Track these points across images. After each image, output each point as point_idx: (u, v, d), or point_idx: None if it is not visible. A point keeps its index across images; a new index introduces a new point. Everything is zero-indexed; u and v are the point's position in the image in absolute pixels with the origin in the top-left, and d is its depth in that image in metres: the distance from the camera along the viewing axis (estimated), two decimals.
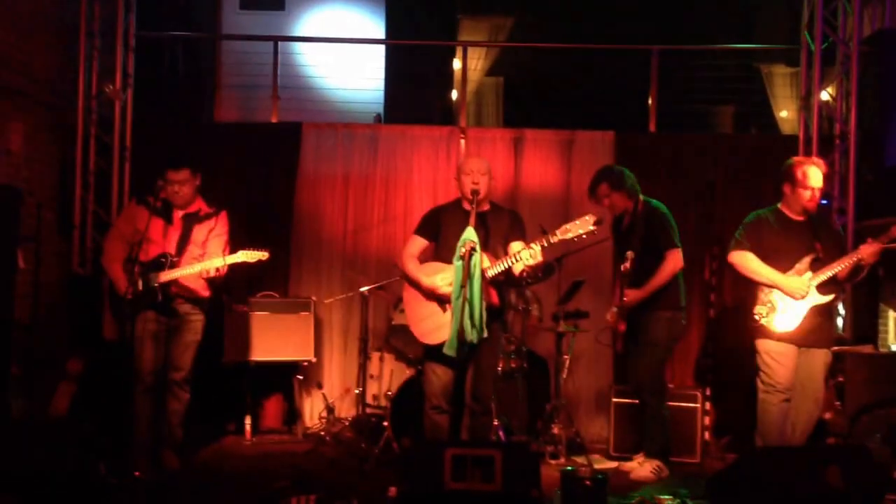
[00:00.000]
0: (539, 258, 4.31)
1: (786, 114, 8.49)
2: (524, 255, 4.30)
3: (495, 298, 4.55)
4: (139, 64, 6.78)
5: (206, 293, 5.16)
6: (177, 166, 5.02)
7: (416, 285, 4.61)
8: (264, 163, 6.80)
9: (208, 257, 5.06)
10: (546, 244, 4.29)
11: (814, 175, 4.87)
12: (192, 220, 5.10)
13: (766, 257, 4.90)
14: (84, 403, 5.36)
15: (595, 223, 4.28)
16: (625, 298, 5.03)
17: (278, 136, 6.94)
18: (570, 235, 4.31)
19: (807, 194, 4.89)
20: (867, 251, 4.70)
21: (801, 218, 4.95)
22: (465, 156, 6.56)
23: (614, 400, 5.92)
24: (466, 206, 4.55)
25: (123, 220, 5.19)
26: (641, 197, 5.29)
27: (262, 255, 5.05)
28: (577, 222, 4.30)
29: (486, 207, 4.66)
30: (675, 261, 5.09)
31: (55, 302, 6.19)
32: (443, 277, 4.48)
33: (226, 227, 5.22)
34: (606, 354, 6.63)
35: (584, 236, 4.32)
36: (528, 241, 4.47)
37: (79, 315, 6.00)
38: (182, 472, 5.04)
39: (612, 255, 6.61)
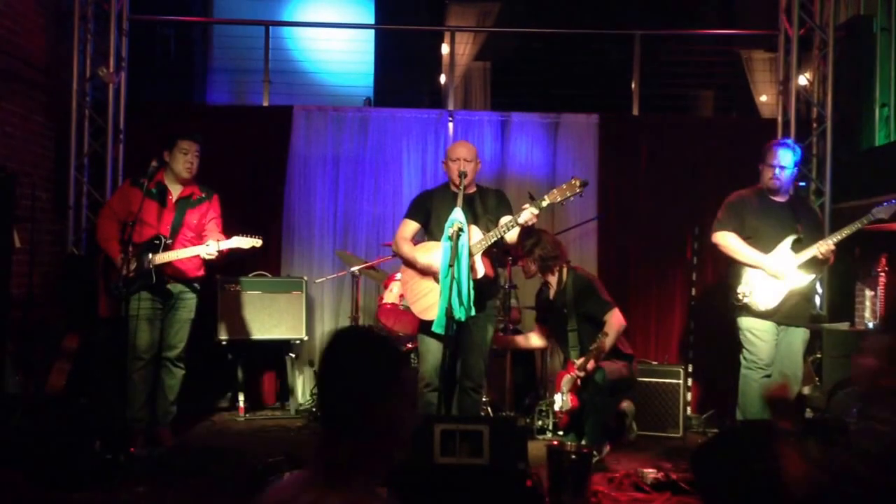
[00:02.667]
0: (535, 218, 4.43)
1: (765, 98, 8.58)
2: (522, 217, 4.40)
3: (489, 269, 4.65)
4: (132, 47, 6.83)
5: (199, 272, 5.22)
6: (193, 137, 5.09)
7: (413, 265, 4.73)
8: (256, 145, 6.87)
9: (207, 239, 5.11)
10: (537, 209, 4.41)
11: (779, 154, 4.97)
12: (185, 204, 5.15)
13: (747, 237, 5.00)
14: (80, 381, 5.40)
15: (581, 185, 4.41)
16: (589, 367, 4.87)
17: (270, 118, 7.00)
18: (559, 199, 4.43)
19: (768, 172, 5.00)
20: (821, 249, 4.83)
21: (781, 199, 5.06)
22: (454, 140, 6.65)
23: None
24: (455, 188, 4.66)
25: (118, 199, 5.21)
26: (566, 268, 5.22)
27: (255, 241, 5.10)
28: (564, 186, 4.44)
29: (472, 190, 4.78)
30: (617, 319, 5.02)
31: (50, 281, 6.26)
32: (438, 255, 4.60)
33: (219, 210, 5.29)
34: None
35: (571, 199, 4.46)
36: (516, 215, 4.57)
37: (74, 294, 6.05)
38: (177, 449, 5.10)
39: (597, 240, 6.77)
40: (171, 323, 5.15)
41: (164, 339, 5.15)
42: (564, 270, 5.19)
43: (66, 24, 6.51)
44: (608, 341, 4.90)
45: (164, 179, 5.11)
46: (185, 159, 5.07)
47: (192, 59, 8.75)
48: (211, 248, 5.00)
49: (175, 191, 5.15)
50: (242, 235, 5.08)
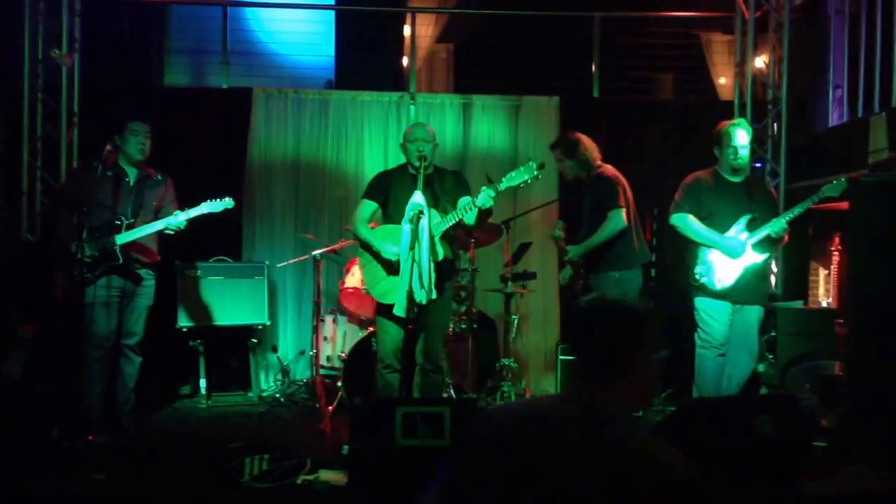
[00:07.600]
0: (492, 203, 4.45)
1: (724, 80, 8.68)
2: (480, 199, 4.42)
3: (448, 251, 4.66)
4: (85, 27, 6.69)
5: (156, 258, 5.19)
6: (143, 118, 5.05)
7: (369, 249, 4.73)
8: (215, 128, 6.79)
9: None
10: (495, 192, 4.42)
11: (736, 134, 5.04)
12: (143, 187, 5.11)
13: (704, 218, 5.08)
14: (36, 369, 5.35)
15: (538, 167, 4.44)
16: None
17: (229, 101, 6.93)
18: (516, 182, 4.46)
19: (730, 153, 5.08)
20: (774, 227, 4.91)
21: (737, 180, 5.14)
22: (411, 123, 6.64)
23: (561, 358, 6.13)
24: (413, 170, 4.66)
25: (70, 184, 5.13)
26: (597, 164, 5.37)
27: (227, 202, 5.05)
28: (522, 169, 4.47)
29: (429, 171, 4.78)
30: (614, 220, 5.13)
31: (5, 267, 6.16)
32: (391, 243, 4.60)
33: (175, 193, 5.25)
34: (554, 314, 6.84)
35: (529, 181, 4.48)
36: (474, 198, 4.58)
37: (29, 280, 5.96)
38: (137, 435, 5.07)
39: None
40: (131, 310, 5.10)
41: (124, 326, 5.09)
42: (590, 172, 5.38)
43: (16, 3, 6.35)
44: (595, 239, 5.15)
45: (118, 162, 5.05)
46: (136, 141, 5.02)
47: (149, 40, 8.59)
48: (180, 217, 4.95)
49: (131, 173, 5.10)
50: (210, 200, 5.03)
